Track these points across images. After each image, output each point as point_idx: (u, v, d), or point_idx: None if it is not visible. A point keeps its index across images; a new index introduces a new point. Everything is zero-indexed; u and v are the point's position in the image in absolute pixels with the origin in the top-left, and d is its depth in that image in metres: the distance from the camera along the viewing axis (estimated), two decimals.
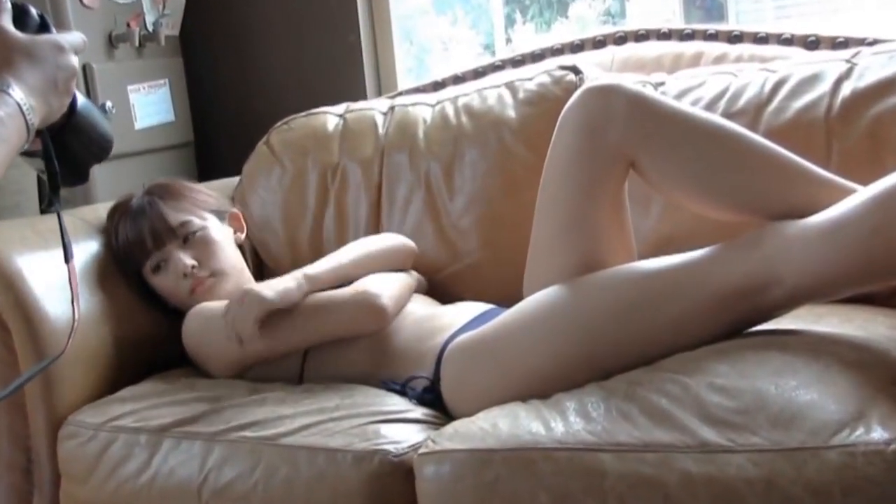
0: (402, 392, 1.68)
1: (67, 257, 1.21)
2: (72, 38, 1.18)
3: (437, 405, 1.65)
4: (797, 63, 1.99)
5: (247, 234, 2.18)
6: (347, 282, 1.86)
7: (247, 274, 2.07)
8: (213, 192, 2.16)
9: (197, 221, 2.00)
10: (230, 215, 2.13)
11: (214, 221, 2.04)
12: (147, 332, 1.99)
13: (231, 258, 2.03)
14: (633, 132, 1.59)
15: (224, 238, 2.04)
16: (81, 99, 1.22)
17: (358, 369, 1.78)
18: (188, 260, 1.95)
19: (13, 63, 1.11)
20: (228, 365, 1.86)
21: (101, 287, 1.94)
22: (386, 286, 1.83)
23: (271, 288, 1.79)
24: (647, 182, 1.64)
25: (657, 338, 1.50)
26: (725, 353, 1.43)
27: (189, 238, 1.98)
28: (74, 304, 1.24)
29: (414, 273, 2.04)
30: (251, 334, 1.76)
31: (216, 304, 1.91)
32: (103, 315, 1.91)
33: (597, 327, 1.53)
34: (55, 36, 1.16)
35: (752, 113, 1.91)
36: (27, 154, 1.17)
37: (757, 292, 1.47)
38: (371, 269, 1.90)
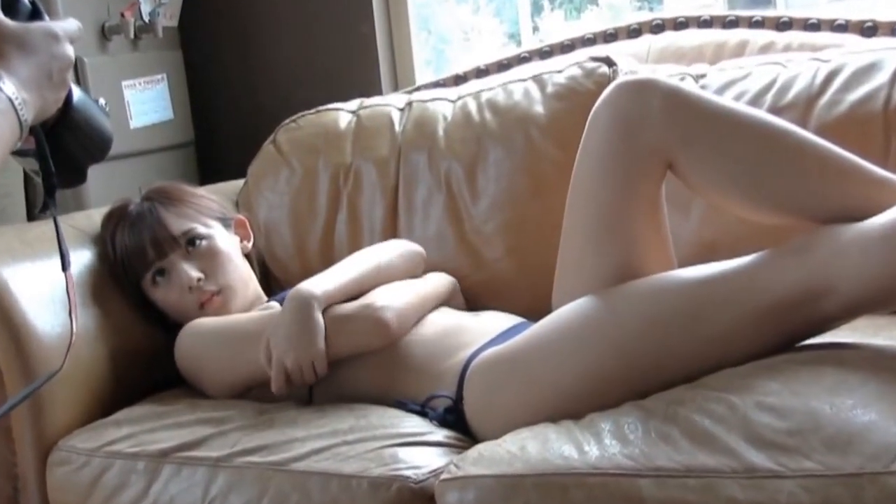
0: (421, 412, 1.68)
1: (65, 265, 1.21)
2: (66, 25, 1.18)
3: (460, 427, 1.65)
4: (852, 51, 1.99)
5: (253, 243, 2.18)
6: (356, 297, 1.85)
7: (254, 286, 2.08)
8: (215, 196, 2.17)
9: (202, 229, 2.01)
10: (236, 222, 2.14)
11: (220, 229, 2.05)
12: (144, 349, 2.00)
13: (239, 270, 2.03)
14: (670, 132, 1.58)
15: (231, 248, 2.05)
16: (78, 92, 1.22)
17: (372, 387, 1.78)
18: (193, 272, 1.96)
19: (4, 54, 1.10)
20: (228, 386, 1.87)
21: (94, 300, 1.95)
22: (394, 298, 1.82)
23: (311, 332, 1.75)
24: (687, 184, 1.64)
25: (700, 353, 1.50)
26: (775, 369, 1.43)
27: (193, 248, 1.98)
28: (72, 316, 1.22)
29: (431, 278, 2.02)
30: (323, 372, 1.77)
31: (210, 321, 1.93)
32: (97, 330, 1.92)
33: (634, 341, 1.53)
34: (48, 23, 1.16)
35: (803, 107, 1.91)
36: (19, 153, 1.16)
37: (809, 302, 1.46)
38: (382, 281, 1.90)
